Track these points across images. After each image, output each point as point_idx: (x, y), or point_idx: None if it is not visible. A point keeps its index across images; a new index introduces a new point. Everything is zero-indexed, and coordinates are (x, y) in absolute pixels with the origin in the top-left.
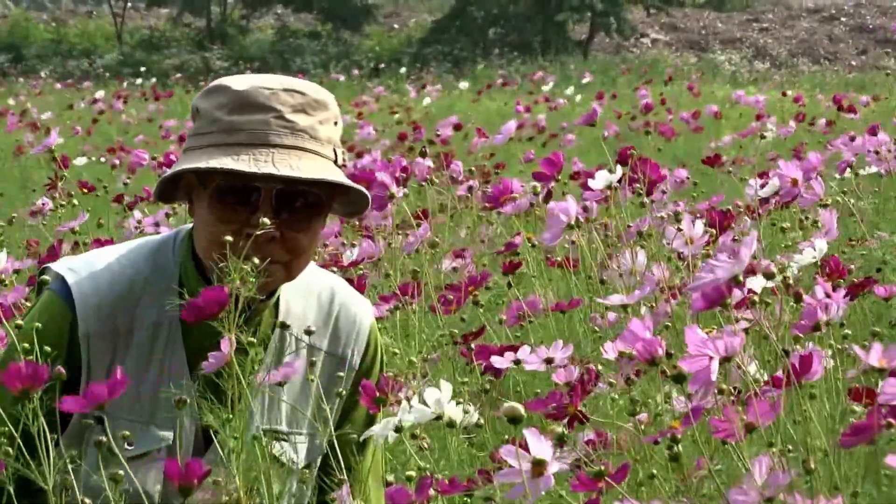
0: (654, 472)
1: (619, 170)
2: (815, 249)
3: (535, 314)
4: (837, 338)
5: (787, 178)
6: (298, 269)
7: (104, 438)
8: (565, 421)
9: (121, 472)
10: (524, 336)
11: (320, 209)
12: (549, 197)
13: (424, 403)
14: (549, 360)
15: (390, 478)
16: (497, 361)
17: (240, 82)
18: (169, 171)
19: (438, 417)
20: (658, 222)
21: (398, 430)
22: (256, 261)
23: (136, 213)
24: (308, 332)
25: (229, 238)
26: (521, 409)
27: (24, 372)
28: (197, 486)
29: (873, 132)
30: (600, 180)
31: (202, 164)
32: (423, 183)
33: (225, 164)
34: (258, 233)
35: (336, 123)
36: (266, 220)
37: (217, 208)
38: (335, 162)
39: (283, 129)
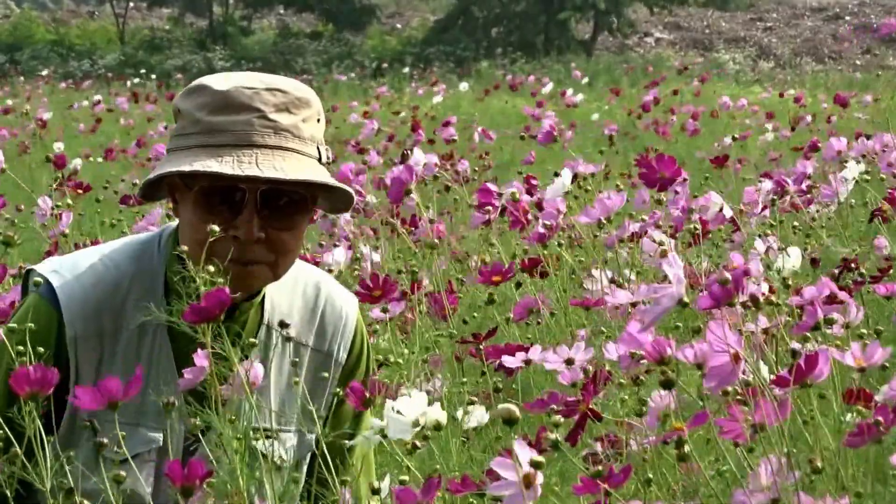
0: (651, 476)
1: (568, 175)
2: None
3: (538, 312)
4: (854, 336)
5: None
6: (284, 269)
7: (105, 440)
8: (575, 419)
9: (122, 473)
10: (528, 335)
11: (305, 208)
12: (539, 206)
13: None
14: (569, 361)
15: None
16: (508, 361)
17: (221, 82)
18: (153, 174)
19: (418, 425)
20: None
21: (384, 435)
22: (211, 268)
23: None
24: (283, 325)
25: (215, 227)
26: (516, 410)
27: (32, 375)
28: (199, 487)
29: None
30: (557, 188)
31: (186, 167)
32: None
33: (209, 166)
34: (211, 240)
35: (319, 121)
36: (216, 228)
37: (202, 210)
38: (319, 160)
39: (266, 129)
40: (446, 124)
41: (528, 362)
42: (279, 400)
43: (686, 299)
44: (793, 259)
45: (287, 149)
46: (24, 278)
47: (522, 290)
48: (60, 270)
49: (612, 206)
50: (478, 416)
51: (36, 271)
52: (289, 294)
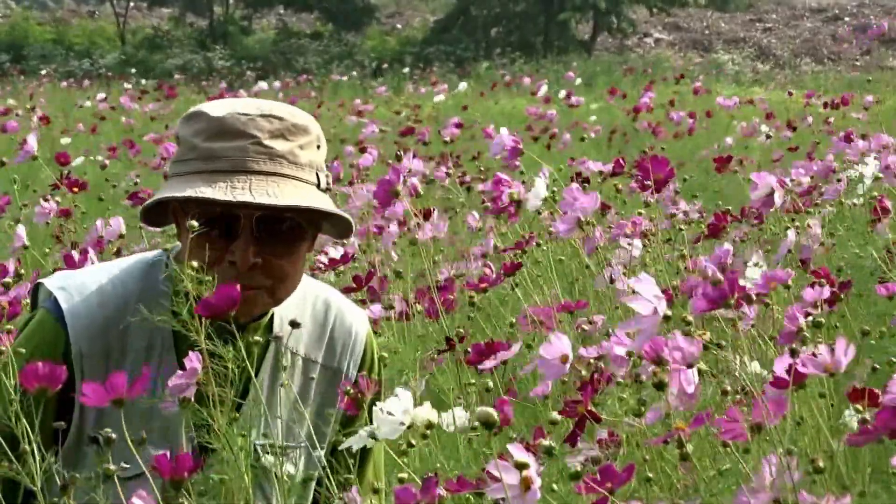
0: (651, 475)
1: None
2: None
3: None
4: (831, 337)
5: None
6: (284, 294)
7: (112, 466)
8: (575, 420)
9: (112, 466)
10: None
11: (302, 234)
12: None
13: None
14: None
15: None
16: (486, 364)
17: (217, 108)
18: (150, 200)
19: (409, 426)
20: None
21: (374, 437)
22: (200, 262)
23: None
24: (294, 325)
25: (194, 223)
26: (494, 413)
27: (41, 371)
28: (187, 480)
29: (847, 139)
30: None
31: (179, 193)
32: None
33: (202, 192)
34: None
35: (319, 147)
36: (194, 224)
37: (198, 236)
38: (318, 185)
39: (260, 156)
40: (458, 126)
41: (504, 362)
42: (288, 417)
43: (668, 313)
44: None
45: (282, 175)
46: (34, 291)
47: (511, 294)
48: (68, 288)
49: (583, 207)
50: (460, 417)
51: (44, 286)
52: (298, 310)
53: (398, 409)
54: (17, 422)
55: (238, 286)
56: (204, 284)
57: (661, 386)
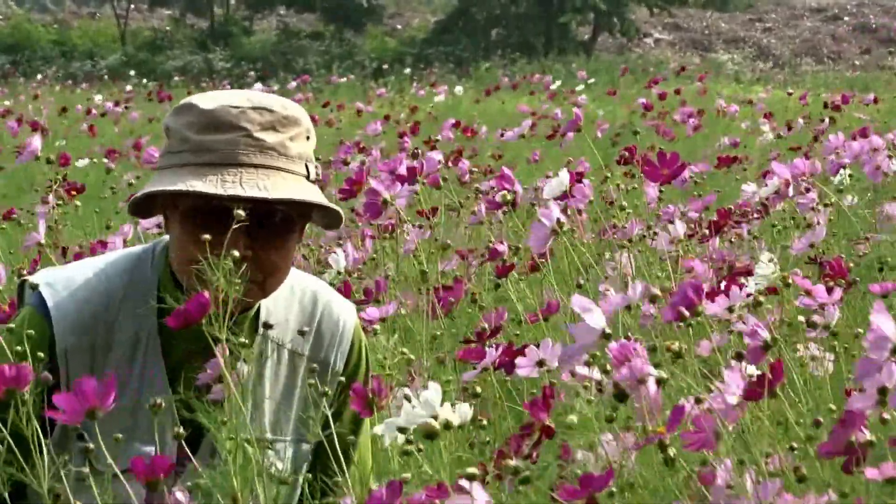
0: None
1: (565, 176)
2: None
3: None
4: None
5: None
6: (274, 286)
7: (90, 446)
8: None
9: (98, 467)
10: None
11: (292, 227)
12: (514, 205)
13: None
14: (541, 363)
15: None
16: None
17: (208, 101)
18: (140, 192)
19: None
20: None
21: (402, 430)
22: (237, 254)
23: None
24: (266, 326)
25: (208, 236)
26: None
27: (7, 374)
28: (162, 480)
29: (863, 134)
30: (554, 188)
31: (169, 187)
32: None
33: (192, 185)
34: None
35: (308, 138)
36: (208, 237)
37: (188, 229)
38: (308, 177)
39: (251, 148)
40: (456, 125)
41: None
42: (275, 410)
43: (608, 330)
44: (766, 269)
45: (272, 167)
46: (20, 288)
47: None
48: (54, 284)
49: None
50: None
51: (30, 283)
52: (285, 304)
53: (424, 402)
54: (27, 423)
55: (211, 289)
56: (232, 284)
57: (622, 397)
